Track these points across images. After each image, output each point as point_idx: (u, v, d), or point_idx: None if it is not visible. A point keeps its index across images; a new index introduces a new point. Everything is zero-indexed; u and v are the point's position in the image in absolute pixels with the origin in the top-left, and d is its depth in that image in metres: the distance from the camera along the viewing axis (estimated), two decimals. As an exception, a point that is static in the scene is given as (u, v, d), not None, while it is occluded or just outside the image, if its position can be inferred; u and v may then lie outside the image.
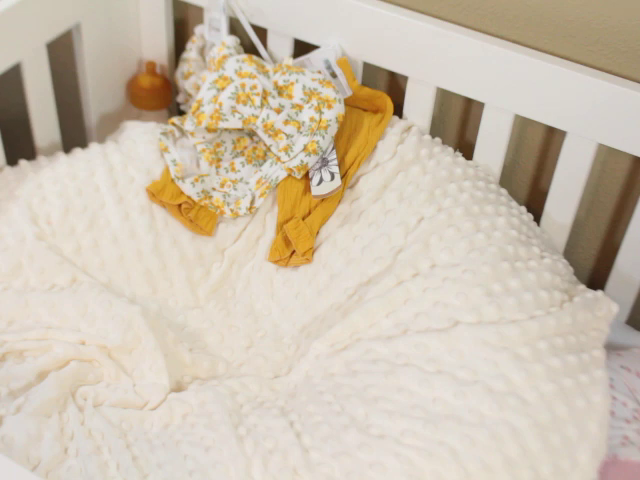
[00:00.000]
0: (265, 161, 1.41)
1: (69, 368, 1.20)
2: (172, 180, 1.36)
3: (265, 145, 1.41)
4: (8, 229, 1.31)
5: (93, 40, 1.49)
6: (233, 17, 1.45)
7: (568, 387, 1.10)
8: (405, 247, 1.26)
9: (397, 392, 1.12)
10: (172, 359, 1.24)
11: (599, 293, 1.24)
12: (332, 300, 1.28)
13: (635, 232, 1.33)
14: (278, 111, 1.35)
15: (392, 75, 1.47)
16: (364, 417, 1.11)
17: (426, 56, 1.33)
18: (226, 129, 1.41)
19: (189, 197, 1.36)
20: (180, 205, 1.36)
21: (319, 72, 1.38)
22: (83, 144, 1.56)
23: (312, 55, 1.40)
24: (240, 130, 1.42)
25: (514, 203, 1.34)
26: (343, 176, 1.35)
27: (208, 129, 1.39)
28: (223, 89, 1.36)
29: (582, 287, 1.26)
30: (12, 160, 1.44)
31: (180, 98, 1.57)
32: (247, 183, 1.40)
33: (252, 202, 1.38)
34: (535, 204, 1.45)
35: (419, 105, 1.39)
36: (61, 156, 1.40)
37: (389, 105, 1.38)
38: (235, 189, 1.39)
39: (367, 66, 1.42)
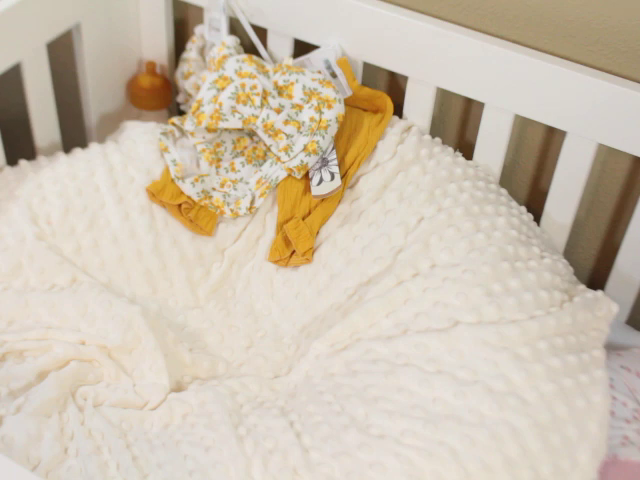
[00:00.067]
0: (265, 161, 1.41)
1: (69, 368, 1.20)
2: (172, 180, 1.36)
3: (265, 145, 1.41)
4: (8, 229, 1.31)
5: (93, 40, 1.49)
6: (233, 17, 1.45)
7: (568, 387, 1.10)
8: (405, 247, 1.26)
9: (397, 392, 1.12)
10: (172, 359, 1.24)
11: (599, 293, 1.24)
12: (332, 300, 1.28)
13: (635, 232, 1.33)
14: (278, 111, 1.35)
15: (392, 75, 1.47)
16: (364, 417, 1.11)
17: (426, 56, 1.33)
18: (226, 129, 1.41)
19: (189, 197, 1.36)
20: (180, 205, 1.36)
21: (319, 72, 1.38)
22: (83, 144, 1.56)
23: (312, 55, 1.40)
24: (240, 130, 1.42)
25: (514, 203, 1.34)
26: (343, 176, 1.35)
27: (208, 129, 1.39)
28: (223, 89, 1.36)
29: (582, 287, 1.26)
30: (12, 160, 1.44)
31: (180, 98, 1.57)
32: (247, 183, 1.40)
33: (252, 202, 1.38)
34: (535, 204, 1.45)
35: (419, 105, 1.39)
36: (61, 156, 1.40)
37: (389, 105, 1.38)
38: (235, 189, 1.39)
39: (367, 66, 1.42)
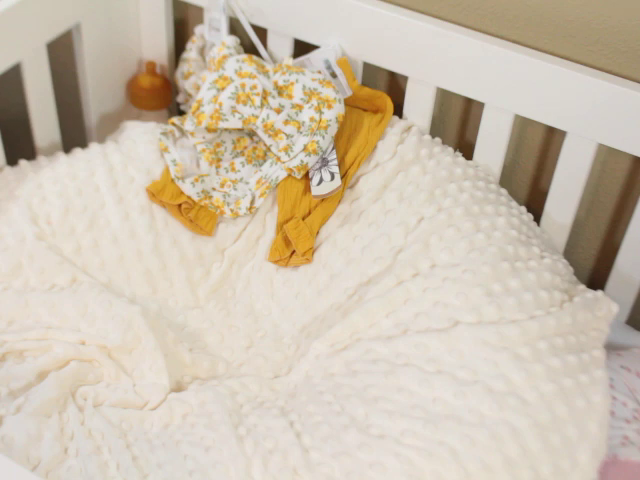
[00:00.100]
0: (265, 161, 1.41)
1: (69, 368, 1.20)
2: (172, 180, 1.36)
3: (265, 145, 1.41)
4: (8, 229, 1.31)
5: (93, 40, 1.49)
6: (233, 17, 1.45)
7: (568, 387, 1.10)
8: (405, 247, 1.25)
9: (397, 392, 1.12)
10: (172, 359, 1.24)
11: (599, 293, 1.24)
12: (332, 300, 1.28)
13: (635, 232, 1.33)
14: (278, 111, 1.35)
15: (392, 75, 1.47)
16: (364, 417, 1.11)
17: (426, 56, 1.33)
18: (226, 129, 1.41)
19: (189, 197, 1.36)
20: (180, 205, 1.36)
21: (319, 72, 1.38)
22: (83, 144, 1.56)
23: (312, 55, 1.40)
24: (240, 130, 1.42)
25: (514, 203, 1.34)
26: (343, 176, 1.35)
27: (208, 129, 1.39)
28: (223, 89, 1.36)
29: (582, 287, 1.26)
30: (12, 160, 1.44)
31: (180, 98, 1.57)
32: (247, 183, 1.40)
33: (252, 202, 1.38)
34: (535, 204, 1.45)
35: (419, 105, 1.39)
36: (61, 156, 1.40)
37: (389, 105, 1.38)
38: (235, 189, 1.39)
39: (367, 66, 1.42)
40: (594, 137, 1.27)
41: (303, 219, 1.34)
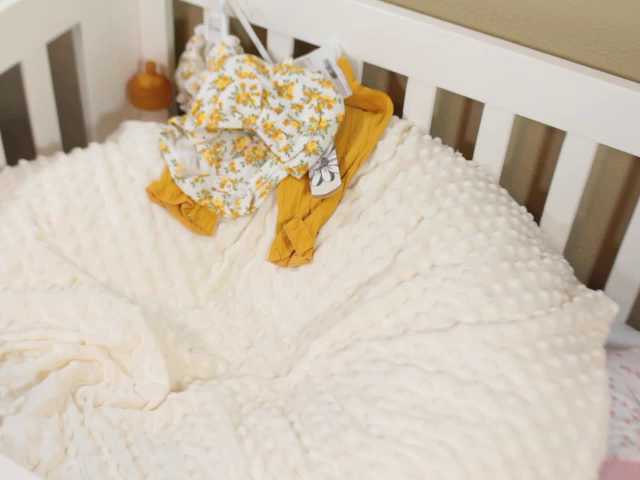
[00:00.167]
0: (265, 161, 1.41)
1: (69, 368, 1.20)
2: (172, 180, 1.36)
3: (265, 145, 1.41)
4: (8, 229, 1.31)
5: (93, 40, 1.49)
6: (233, 17, 1.45)
7: (568, 387, 1.10)
8: (405, 247, 1.25)
9: (397, 392, 1.12)
10: (172, 359, 1.24)
11: (599, 293, 1.24)
12: (332, 300, 1.28)
13: (635, 232, 1.33)
14: (278, 111, 1.35)
15: (392, 75, 1.47)
16: (364, 417, 1.11)
17: (426, 56, 1.33)
18: (226, 129, 1.41)
19: (189, 197, 1.36)
20: (180, 205, 1.36)
21: (319, 72, 1.38)
22: (83, 144, 1.56)
23: (312, 55, 1.40)
24: (240, 130, 1.42)
25: (514, 203, 1.34)
26: (343, 176, 1.35)
27: (208, 129, 1.39)
28: (223, 89, 1.36)
29: (582, 287, 1.26)
30: (12, 160, 1.44)
31: (180, 98, 1.57)
32: (247, 183, 1.40)
33: (252, 202, 1.38)
34: (535, 204, 1.45)
35: (419, 105, 1.39)
36: (61, 156, 1.40)
37: (389, 105, 1.38)
38: (235, 189, 1.39)
39: (367, 66, 1.42)
40: (594, 137, 1.27)
41: (303, 219, 1.34)
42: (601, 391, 1.11)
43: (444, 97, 1.44)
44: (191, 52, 1.50)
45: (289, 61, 1.40)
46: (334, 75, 1.39)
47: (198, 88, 1.48)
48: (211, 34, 1.46)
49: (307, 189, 1.36)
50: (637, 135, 1.23)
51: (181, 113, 1.66)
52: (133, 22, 1.56)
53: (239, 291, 1.37)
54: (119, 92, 1.62)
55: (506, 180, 1.45)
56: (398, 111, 1.41)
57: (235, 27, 1.48)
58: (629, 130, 1.24)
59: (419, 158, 1.34)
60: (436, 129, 1.46)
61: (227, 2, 1.43)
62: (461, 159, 1.36)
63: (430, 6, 1.35)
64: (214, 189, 1.38)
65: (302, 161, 1.33)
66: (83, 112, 1.58)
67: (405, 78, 1.40)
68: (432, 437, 1.07)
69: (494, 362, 1.11)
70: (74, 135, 1.65)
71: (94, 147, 1.41)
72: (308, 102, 1.35)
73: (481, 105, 1.36)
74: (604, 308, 1.21)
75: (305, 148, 1.33)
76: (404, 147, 1.35)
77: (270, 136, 1.36)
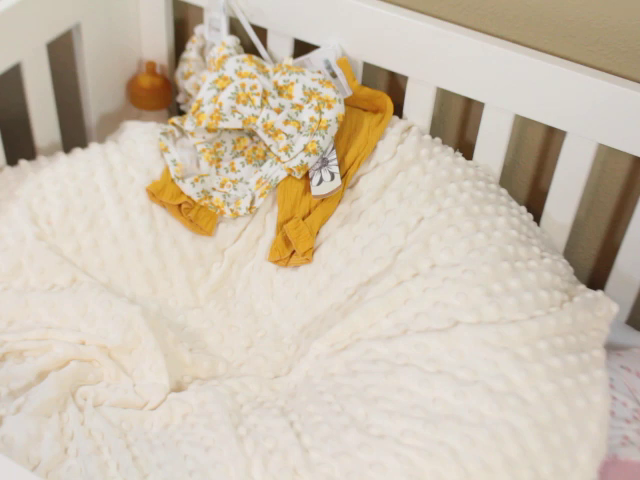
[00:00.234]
0: (265, 161, 1.41)
1: (69, 368, 1.20)
2: (172, 180, 1.36)
3: (265, 145, 1.41)
4: (8, 229, 1.31)
5: (93, 40, 1.49)
6: (233, 17, 1.45)
7: (568, 387, 1.10)
8: (405, 247, 1.25)
9: (397, 392, 1.12)
10: (172, 359, 1.24)
11: (599, 293, 1.24)
12: (332, 300, 1.28)
13: (635, 232, 1.33)
14: (278, 111, 1.35)
15: (392, 75, 1.47)
16: (364, 417, 1.11)
17: (426, 56, 1.33)
18: (226, 129, 1.41)
19: (189, 197, 1.36)
20: (180, 205, 1.36)
21: (319, 72, 1.38)
22: (83, 144, 1.56)
23: (312, 55, 1.40)
24: (240, 130, 1.42)
25: (514, 203, 1.34)
26: (343, 176, 1.35)
27: (208, 129, 1.39)
28: (223, 89, 1.36)
29: (582, 287, 1.26)
30: (12, 160, 1.44)
31: (180, 98, 1.57)
32: (247, 183, 1.40)
33: (252, 202, 1.38)
34: (535, 204, 1.45)
35: (419, 105, 1.39)
36: (61, 156, 1.40)
37: (389, 105, 1.38)
38: (235, 189, 1.39)
39: (367, 66, 1.42)
40: (594, 137, 1.27)
41: (303, 219, 1.34)
42: (601, 391, 1.11)
43: (444, 97, 1.44)
44: (191, 52, 1.50)
45: (289, 61, 1.40)
46: (334, 75, 1.39)
47: (198, 88, 1.48)
48: (211, 34, 1.46)
49: (307, 189, 1.36)
50: (637, 135, 1.23)
51: (181, 113, 1.66)
52: (133, 22, 1.56)
53: (239, 291, 1.37)
54: (119, 92, 1.62)
55: (506, 180, 1.45)
56: (398, 111, 1.41)
57: (235, 27, 1.48)
58: (629, 130, 1.24)
59: (419, 158, 1.34)
60: (436, 129, 1.46)
61: (227, 2, 1.43)
62: (461, 159, 1.36)
63: (430, 6, 1.35)
64: (214, 189, 1.38)
65: (302, 161, 1.33)
66: (83, 112, 1.58)
67: (405, 78, 1.40)
68: (432, 437, 1.07)
69: (494, 362, 1.11)
70: (74, 135, 1.65)
71: (94, 147, 1.41)
72: (308, 102, 1.35)
73: (481, 105, 1.36)
74: (604, 308, 1.21)
75: (305, 148, 1.33)
76: (404, 147, 1.35)
77: (270, 136, 1.36)
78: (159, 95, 1.59)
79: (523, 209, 1.35)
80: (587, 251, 1.48)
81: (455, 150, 1.38)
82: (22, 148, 1.51)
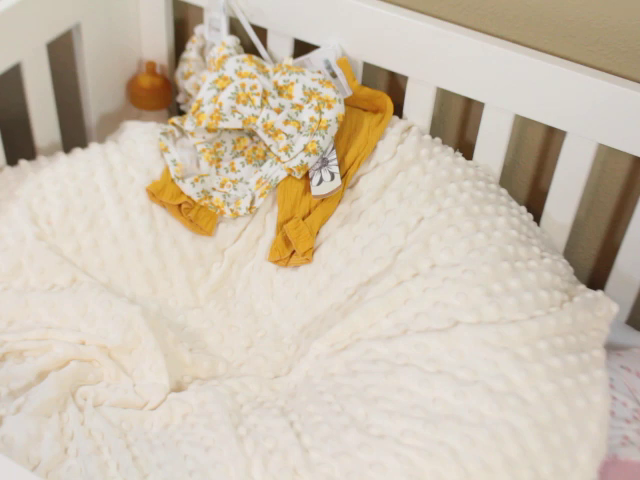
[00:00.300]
0: (265, 161, 1.41)
1: (69, 368, 1.20)
2: (172, 180, 1.36)
3: (265, 145, 1.41)
4: (8, 229, 1.31)
5: (93, 40, 1.49)
6: (233, 17, 1.45)
7: (568, 387, 1.10)
8: (405, 247, 1.26)
9: (397, 392, 1.12)
10: (172, 359, 1.24)
11: (599, 293, 1.24)
12: (332, 300, 1.28)
13: (635, 232, 1.33)
14: (278, 111, 1.35)
15: (392, 75, 1.47)
16: (364, 417, 1.11)
17: (426, 56, 1.33)
18: (226, 129, 1.41)
19: (189, 197, 1.36)
20: (180, 205, 1.36)
21: (319, 72, 1.38)
22: (83, 144, 1.56)
23: (312, 55, 1.40)
24: (240, 130, 1.42)
25: (514, 203, 1.34)
26: (343, 176, 1.35)
27: (208, 129, 1.39)
28: (223, 89, 1.36)
29: (582, 287, 1.26)
30: (12, 160, 1.44)
31: (180, 98, 1.57)
32: (247, 183, 1.40)
33: (252, 202, 1.38)
34: (535, 204, 1.45)
35: (419, 105, 1.39)
36: (61, 156, 1.40)
37: (389, 105, 1.38)
38: (235, 189, 1.39)
39: (367, 66, 1.42)
40: (594, 137, 1.27)
41: (303, 219, 1.34)
42: (601, 391, 1.11)
43: (444, 97, 1.44)
44: (191, 52, 1.50)
45: (289, 61, 1.40)
46: (334, 75, 1.39)
47: (198, 88, 1.48)
48: (211, 34, 1.46)
49: (307, 189, 1.36)
50: (637, 135, 1.23)
51: (181, 113, 1.66)
52: (133, 22, 1.56)
53: (239, 291, 1.37)
54: (119, 92, 1.62)
55: (506, 180, 1.45)
56: (398, 111, 1.41)
57: (235, 27, 1.48)
58: (629, 130, 1.24)
59: (419, 158, 1.34)
60: (436, 129, 1.46)
61: (227, 2, 1.43)
62: (461, 159, 1.36)
63: (430, 6, 1.35)
64: (214, 189, 1.38)
65: (302, 161, 1.33)
66: (83, 112, 1.58)
67: (405, 78, 1.40)
68: (432, 437, 1.07)
69: (494, 362, 1.11)
70: (74, 135, 1.65)
71: (94, 147, 1.41)
72: (308, 102, 1.35)
73: (481, 105, 1.36)
74: (604, 308, 1.21)
75: (305, 148, 1.33)
76: (404, 147, 1.35)
77: (270, 136, 1.36)
78: (159, 95, 1.59)
79: (523, 209, 1.35)
80: (587, 251, 1.48)
81: (455, 150, 1.38)
82: (22, 148, 1.51)
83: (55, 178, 1.35)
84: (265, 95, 1.35)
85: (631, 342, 1.36)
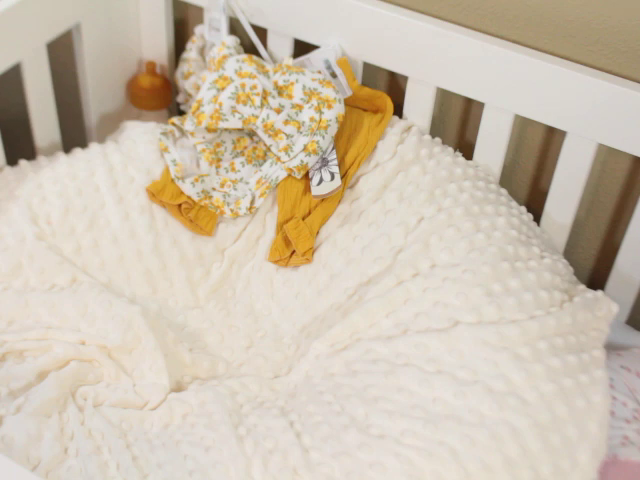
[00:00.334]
0: (265, 161, 1.41)
1: (69, 368, 1.20)
2: (172, 180, 1.36)
3: (265, 145, 1.41)
4: (8, 229, 1.31)
5: (93, 40, 1.49)
6: (233, 17, 1.45)
7: (568, 387, 1.10)
8: (405, 247, 1.26)
9: (397, 392, 1.12)
10: (172, 359, 1.24)
11: (599, 293, 1.24)
12: (332, 300, 1.28)
13: (635, 232, 1.33)
14: (278, 111, 1.35)
15: (392, 75, 1.47)
16: (364, 417, 1.11)
17: (426, 56, 1.33)
18: (226, 129, 1.41)
19: (189, 197, 1.36)
20: (180, 205, 1.36)
21: (319, 72, 1.38)
22: (83, 144, 1.56)
23: (312, 55, 1.40)
24: (240, 130, 1.42)
25: (514, 203, 1.34)
26: (343, 176, 1.35)
27: (208, 129, 1.39)
28: (223, 89, 1.36)
29: (582, 287, 1.26)
30: (12, 160, 1.44)
31: (180, 98, 1.57)
32: (247, 183, 1.40)
33: (252, 202, 1.38)
34: (535, 204, 1.45)
35: (419, 105, 1.39)
36: (61, 156, 1.40)
37: (389, 105, 1.38)
38: (235, 189, 1.39)
39: (367, 66, 1.42)
40: (594, 137, 1.27)
41: (303, 219, 1.34)
42: (601, 391, 1.11)
43: (444, 97, 1.44)
44: (191, 52, 1.50)
45: (289, 61, 1.40)
46: (334, 75, 1.39)
47: (198, 88, 1.48)
48: (211, 34, 1.46)
49: (307, 189, 1.36)
50: (637, 135, 1.23)
51: (181, 113, 1.66)
52: (133, 22, 1.56)
53: (239, 291, 1.37)
54: (119, 92, 1.62)
55: (506, 180, 1.45)
56: (398, 111, 1.41)
57: (235, 27, 1.48)
58: (629, 130, 1.24)
59: (419, 158, 1.34)
60: (436, 129, 1.46)
61: (227, 2, 1.43)
62: (461, 159, 1.36)
63: (430, 6, 1.35)
64: (214, 189, 1.38)
65: (302, 161, 1.33)
66: (83, 112, 1.58)
67: (405, 78, 1.40)
68: (432, 437, 1.07)
69: (494, 362, 1.11)
70: (74, 135, 1.65)
71: (94, 147, 1.41)
72: (308, 102, 1.35)
73: (481, 105, 1.36)
74: (604, 308, 1.21)
75: (305, 148, 1.33)
76: (404, 147, 1.35)
77: (270, 136, 1.36)
78: (159, 95, 1.59)
79: (523, 209, 1.35)
80: (587, 251, 1.48)
81: (455, 150, 1.38)
82: (22, 148, 1.51)
83: (55, 178, 1.35)
84: (265, 95, 1.35)
85: (631, 342, 1.36)
